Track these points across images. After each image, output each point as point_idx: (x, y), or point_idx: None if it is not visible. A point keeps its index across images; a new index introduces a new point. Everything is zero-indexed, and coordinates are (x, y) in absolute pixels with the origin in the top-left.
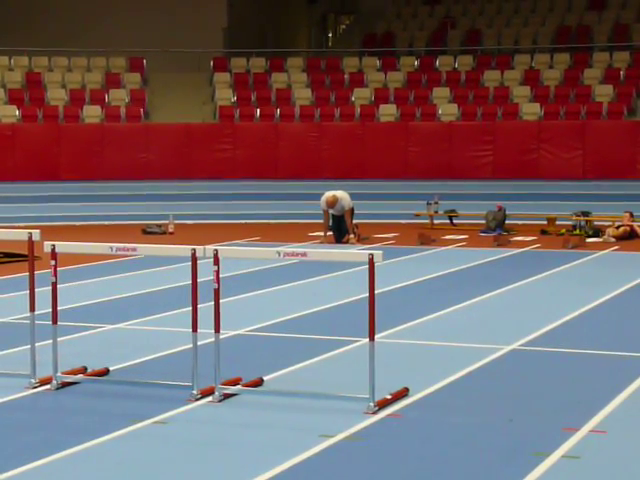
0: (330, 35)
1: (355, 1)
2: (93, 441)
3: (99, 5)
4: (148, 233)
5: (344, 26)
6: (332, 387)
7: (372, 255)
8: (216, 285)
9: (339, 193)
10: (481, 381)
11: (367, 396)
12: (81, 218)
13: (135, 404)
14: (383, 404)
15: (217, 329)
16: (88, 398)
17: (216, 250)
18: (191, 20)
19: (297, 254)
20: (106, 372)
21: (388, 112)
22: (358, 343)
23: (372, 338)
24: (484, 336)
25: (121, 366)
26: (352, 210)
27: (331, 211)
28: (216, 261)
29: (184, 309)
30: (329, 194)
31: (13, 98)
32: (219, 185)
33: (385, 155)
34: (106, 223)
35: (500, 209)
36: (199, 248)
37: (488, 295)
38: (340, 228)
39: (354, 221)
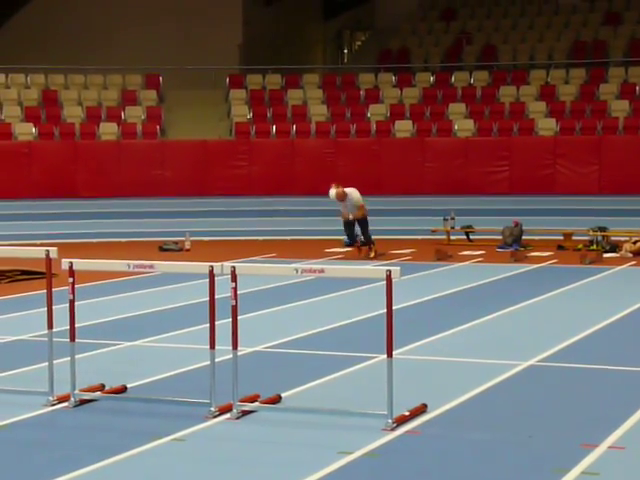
0: (346, 51)
1: (370, 17)
2: (112, 459)
3: (115, 23)
4: (165, 250)
5: (359, 42)
6: (350, 404)
7: (390, 271)
8: (234, 302)
9: (347, 189)
10: (499, 397)
11: (385, 413)
12: (97, 235)
13: (153, 421)
14: (401, 421)
15: (235, 346)
16: (106, 415)
17: (234, 267)
18: (207, 37)
19: (315, 270)
20: (124, 389)
21: (404, 128)
22: (376, 359)
23: (390, 354)
24: (502, 352)
25: (139, 383)
26: (366, 217)
27: (342, 208)
28: (234, 278)
29: (201, 326)
30: (338, 190)
31: (30, 116)
32: (235, 202)
33: (401, 171)
34: (123, 240)
35: (517, 225)
36: (216, 265)
37: (505, 311)
38: (351, 234)
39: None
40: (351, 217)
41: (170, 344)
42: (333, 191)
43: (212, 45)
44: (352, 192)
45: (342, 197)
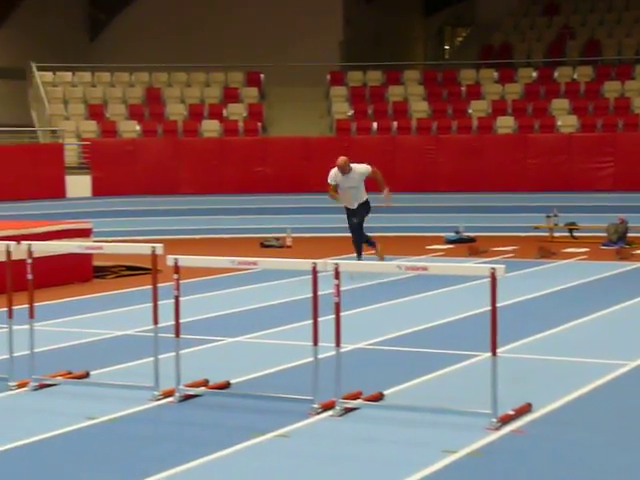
0: (447, 47)
1: (472, 13)
2: (216, 454)
3: (217, 21)
4: (266, 246)
5: (461, 38)
6: (453, 402)
7: (494, 269)
8: (337, 299)
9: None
10: (606, 397)
11: (489, 411)
12: (199, 231)
13: (257, 417)
14: (506, 420)
15: (338, 343)
16: (210, 411)
17: (337, 264)
18: (308, 34)
19: (418, 268)
20: (227, 385)
21: (506, 124)
22: (479, 357)
23: (494, 352)
24: (608, 351)
25: (242, 379)
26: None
27: (345, 184)
28: (337, 275)
29: (304, 322)
30: (343, 158)
31: (134, 113)
32: None
33: (503, 167)
34: (224, 236)
35: (622, 222)
36: (320, 262)
37: (611, 309)
38: (357, 230)
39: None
40: (355, 204)
41: (273, 340)
42: (333, 171)
43: (313, 42)
44: (359, 167)
45: (345, 168)
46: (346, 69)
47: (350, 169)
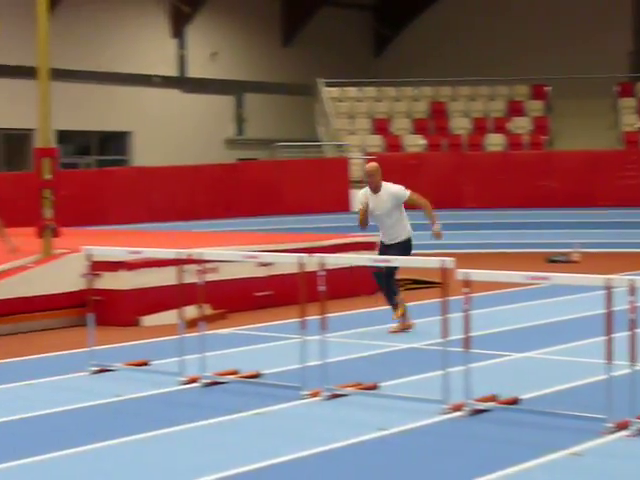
0: None
1: None
2: (506, 470)
3: (502, 34)
4: (552, 262)
5: None
6: None
7: None
8: (632, 315)
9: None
10: None
11: None
12: (483, 246)
13: (547, 434)
14: None
15: (633, 360)
16: (499, 426)
17: (631, 280)
18: (595, 45)
19: None
20: (516, 401)
21: None
22: None
23: None
24: None
25: (531, 395)
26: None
27: (375, 208)
28: (631, 291)
29: (594, 339)
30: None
31: (418, 128)
32: (626, 213)
33: None
34: (509, 251)
35: None
36: (615, 278)
37: None
38: (385, 279)
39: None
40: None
41: (563, 356)
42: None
43: (601, 53)
44: (391, 186)
45: (373, 180)
46: (635, 80)
47: (380, 186)
